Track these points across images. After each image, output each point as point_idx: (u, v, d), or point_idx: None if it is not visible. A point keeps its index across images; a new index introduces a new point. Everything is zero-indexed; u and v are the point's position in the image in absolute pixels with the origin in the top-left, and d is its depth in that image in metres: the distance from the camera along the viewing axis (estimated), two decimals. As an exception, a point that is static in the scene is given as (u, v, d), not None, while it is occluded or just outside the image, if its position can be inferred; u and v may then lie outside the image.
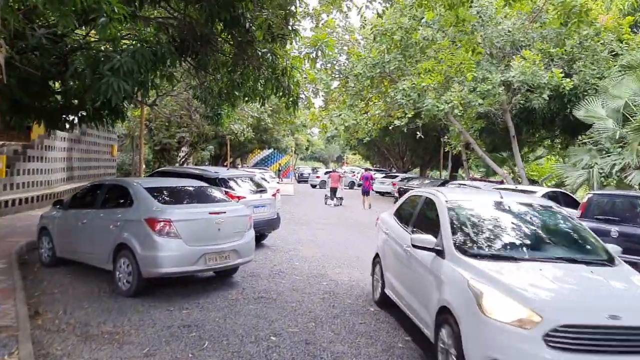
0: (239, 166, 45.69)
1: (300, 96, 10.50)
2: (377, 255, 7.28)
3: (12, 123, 9.60)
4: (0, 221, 12.49)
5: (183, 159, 30.50)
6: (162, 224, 6.80)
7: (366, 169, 39.47)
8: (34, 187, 16.78)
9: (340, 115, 17.05)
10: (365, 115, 18.21)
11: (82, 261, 7.93)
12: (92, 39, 9.58)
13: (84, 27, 9.76)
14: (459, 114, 16.44)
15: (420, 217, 6.16)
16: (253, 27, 8.74)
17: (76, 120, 10.13)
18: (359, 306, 6.91)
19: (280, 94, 9.84)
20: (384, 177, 35.19)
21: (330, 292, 7.57)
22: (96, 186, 8.59)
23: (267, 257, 10.06)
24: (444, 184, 19.38)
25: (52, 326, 5.55)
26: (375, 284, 7.24)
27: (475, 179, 27.46)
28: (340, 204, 23.37)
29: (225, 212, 7.49)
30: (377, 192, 33.48)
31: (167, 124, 23.44)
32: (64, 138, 19.62)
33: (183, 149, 30.47)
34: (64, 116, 9.54)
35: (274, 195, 12.14)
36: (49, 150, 18.06)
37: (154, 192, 7.51)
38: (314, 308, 6.69)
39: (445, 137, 26.70)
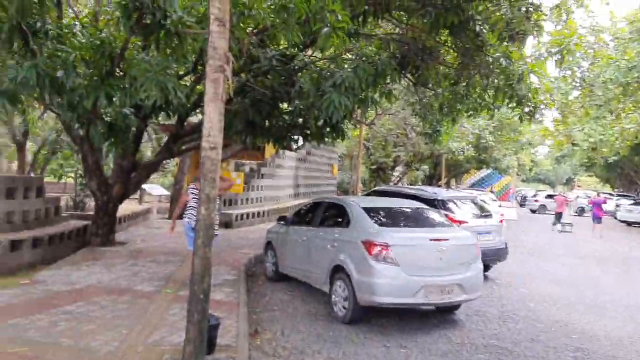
0: (454, 187, 43.88)
1: (540, 106, 8.96)
2: None
3: (248, 143, 10.35)
4: (236, 233, 13.74)
5: (397, 179, 30.44)
6: (378, 248, 6.22)
7: (598, 193, 33.78)
8: (266, 202, 18.34)
9: (583, 129, 14.49)
10: (615, 129, 15.17)
11: (300, 279, 7.88)
12: (316, 59, 9.76)
13: (309, 50, 10.09)
14: None
15: None
16: (484, 30, 7.72)
17: (300, 139, 10.45)
18: (628, 376, 5.19)
19: (514, 104, 8.52)
20: (632, 204, 29.41)
21: (584, 349, 5.94)
22: (316, 204, 8.54)
23: (493, 293, 8.72)
24: None
25: (269, 348, 5.37)
26: None
27: None
28: (570, 231, 20.95)
29: (448, 240, 6.56)
30: (621, 221, 28.20)
31: (383, 143, 23.58)
32: (292, 157, 21.17)
33: (397, 168, 30.45)
34: (289, 135, 9.87)
35: (501, 221, 10.67)
36: (279, 168, 19.64)
37: (371, 212, 7.03)
38: (565, 370, 5.24)
39: None
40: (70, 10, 9.90)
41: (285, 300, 7.43)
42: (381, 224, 6.79)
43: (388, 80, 9.13)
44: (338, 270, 6.69)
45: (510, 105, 8.73)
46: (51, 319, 5.20)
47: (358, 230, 6.70)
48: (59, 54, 6.19)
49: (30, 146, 23.10)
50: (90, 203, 12.91)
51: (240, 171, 17.08)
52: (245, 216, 15.77)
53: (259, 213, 16.82)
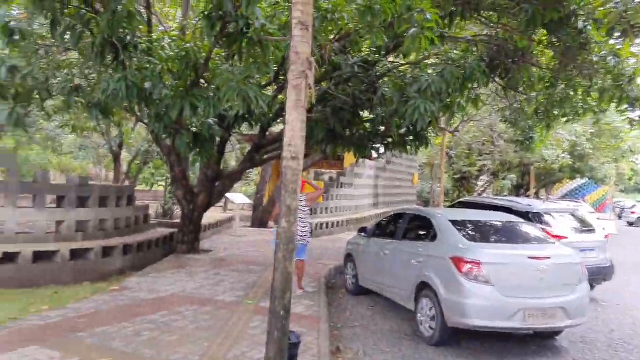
0: (543, 197, 41.21)
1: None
2: None
3: (327, 151, 10.20)
4: (316, 242, 13.58)
5: (482, 188, 29.07)
6: (469, 265, 5.72)
7: None
8: (344, 211, 18.12)
9: (701, 133, 12.86)
10: None
11: (382, 294, 7.53)
12: (399, 64, 9.42)
13: (390, 56, 9.75)
14: None
15: None
16: (588, 25, 6.98)
17: (381, 148, 10.13)
18: None
19: (624, 106, 7.64)
20: None
21: None
22: (398, 215, 8.15)
23: (598, 316, 7.83)
24: None
25: (351, 369, 5.07)
26: None
27: None
28: None
29: (549, 258, 5.92)
30: None
31: (467, 151, 22.57)
32: (371, 166, 20.83)
33: (482, 177, 29.09)
34: (371, 143, 9.58)
35: (606, 235, 9.63)
36: (358, 178, 19.37)
37: (459, 225, 6.53)
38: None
39: None
40: (161, 27, 10.31)
41: (367, 316, 7.10)
42: (471, 239, 6.27)
43: (475, 85, 8.61)
44: (424, 287, 6.26)
45: (618, 109, 7.85)
46: (135, 327, 5.26)
47: (445, 245, 6.24)
48: (147, 66, 6.36)
49: (125, 156, 24.62)
50: (178, 210, 13.37)
51: (319, 180, 17.01)
52: (324, 225, 15.64)
53: (338, 222, 16.64)
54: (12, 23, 5.67)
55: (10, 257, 7.36)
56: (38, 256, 7.58)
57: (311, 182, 8.39)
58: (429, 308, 6.08)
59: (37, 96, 7.19)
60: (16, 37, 5.78)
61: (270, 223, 16.58)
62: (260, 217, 17.27)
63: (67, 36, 6.04)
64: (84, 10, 6.02)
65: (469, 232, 6.50)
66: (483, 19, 8.71)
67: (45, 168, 24.09)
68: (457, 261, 5.81)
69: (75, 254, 7.91)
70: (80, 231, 8.34)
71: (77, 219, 8.32)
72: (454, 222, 6.56)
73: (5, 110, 6.94)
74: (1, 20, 5.55)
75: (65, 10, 5.89)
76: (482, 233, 6.61)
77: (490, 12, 8.51)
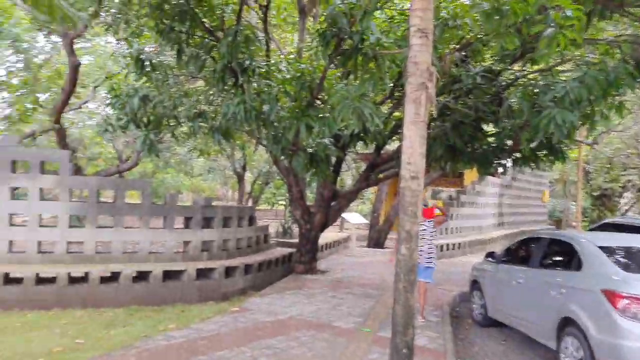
0: None
1: None
2: None
3: (447, 169, 9.61)
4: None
5: (626, 207, 25.80)
6: (627, 300, 4.82)
7: None
8: (466, 232, 17.08)
9: None
10: None
11: (515, 327, 6.73)
12: (528, 72, 8.59)
13: (515, 65, 8.96)
14: None
15: None
16: None
17: (509, 164, 9.30)
18: None
19: None
20: None
21: None
22: (532, 239, 7.29)
23: None
24: None
25: (483, 415, 4.48)
26: None
27: None
28: None
29: None
30: None
31: (608, 165, 20.16)
32: (495, 184, 19.51)
33: (625, 194, 25.86)
34: (496, 159, 8.82)
35: None
36: (480, 196, 18.22)
37: (611, 252, 5.60)
38: None
39: None
40: (279, 52, 10.60)
41: (499, 352, 6.37)
42: (626, 269, 5.32)
43: (620, 90, 7.55)
44: (568, 324, 5.42)
45: None
46: (253, 353, 5.18)
47: (595, 275, 5.36)
48: (265, 89, 6.44)
49: (248, 177, 25.91)
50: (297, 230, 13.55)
51: (438, 199, 16.26)
52: (445, 247, 14.82)
53: (459, 244, 15.69)
54: (143, 56, 6.07)
55: (143, 276, 7.84)
56: (167, 275, 7.99)
57: (437, 206, 7.97)
58: (576, 348, 5.23)
59: (167, 123, 7.65)
60: (147, 69, 6.18)
61: (388, 243, 16.15)
62: (376, 237, 16.91)
63: (192, 67, 6.32)
64: (207, 40, 6.28)
65: (623, 260, 5.54)
66: (629, 15, 7.63)
67: (179, 190, 26.19)
68: (611, 295, 4.94)
69: (200, 273, 8.21)
70: (205, 251, 8.67)
71: (203, 240, 8.67)
72: (605, 249, 5.64)
73: (140, 137, 7.51)
74: (134, 54, 5.96)
75: (190, 41, 6.19)
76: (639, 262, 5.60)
77: (637, 8, 7.44)
